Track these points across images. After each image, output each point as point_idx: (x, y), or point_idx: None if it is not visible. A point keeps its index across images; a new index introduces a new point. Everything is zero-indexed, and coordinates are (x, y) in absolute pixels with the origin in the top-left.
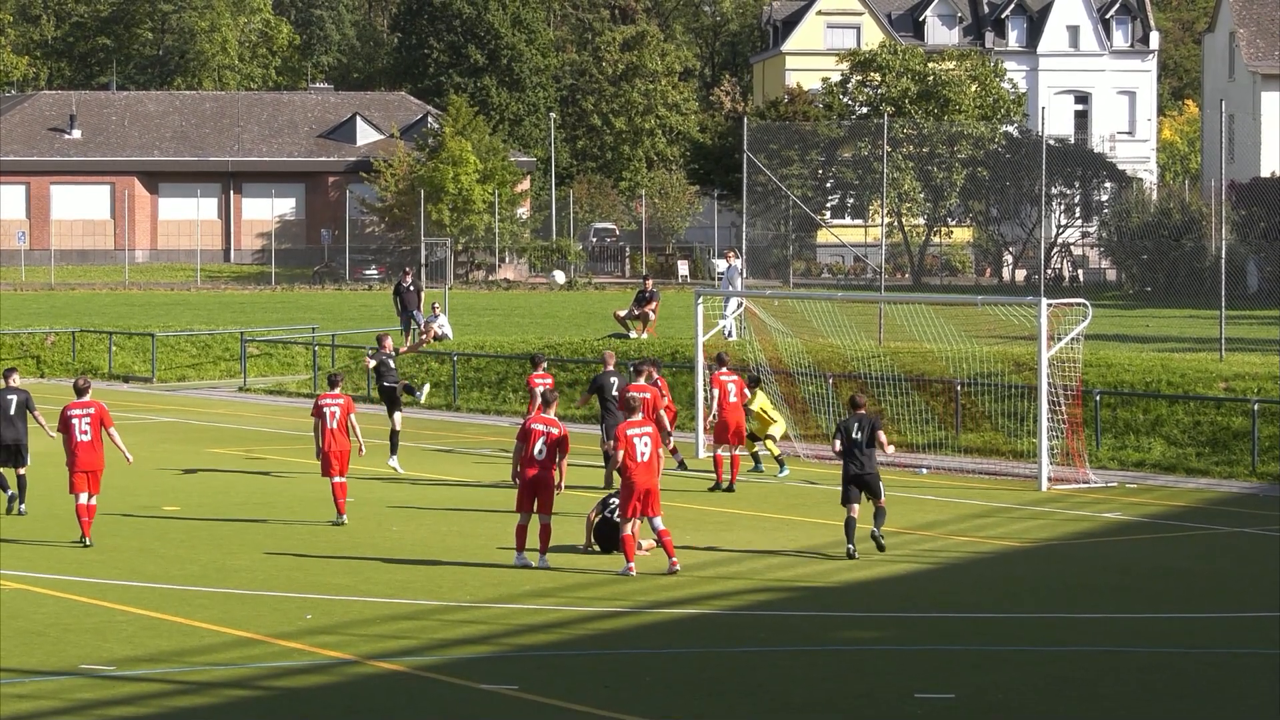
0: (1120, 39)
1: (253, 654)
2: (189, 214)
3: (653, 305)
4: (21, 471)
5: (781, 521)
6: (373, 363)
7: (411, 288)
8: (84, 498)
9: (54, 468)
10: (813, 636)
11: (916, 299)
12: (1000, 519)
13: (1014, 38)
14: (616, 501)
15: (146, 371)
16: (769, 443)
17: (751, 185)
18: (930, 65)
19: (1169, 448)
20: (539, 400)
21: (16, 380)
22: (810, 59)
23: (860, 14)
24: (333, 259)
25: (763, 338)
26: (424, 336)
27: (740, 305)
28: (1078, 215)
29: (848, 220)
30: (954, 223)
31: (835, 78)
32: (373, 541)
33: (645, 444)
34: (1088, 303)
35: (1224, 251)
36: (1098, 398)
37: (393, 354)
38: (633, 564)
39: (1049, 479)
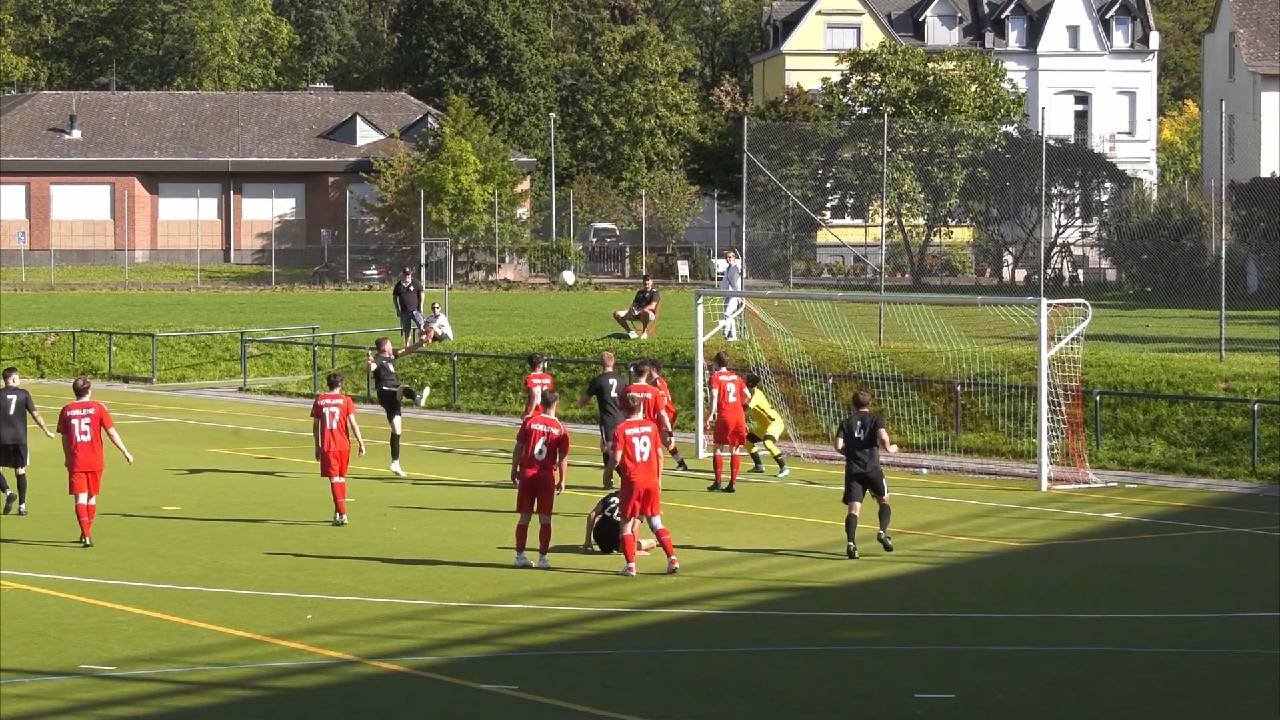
0: (1120, 39)
1: (253, 654)
2: (189, 214)
3: (653, 305)
4: (21, 471)
5: (781, 521)
6: (374, 365)
7: (411, 288)
8: (84, 498)
9: (54, 468)
10: (813, 636)
11: (916, 299)
12: (1000, 519)
13: (1014, 38)
14: (617, 501)
15: (146, 372)
16: (769, 443)
17: (751, 185)
18: (930, 65)
19: (1169, 448)
20: (537, 400)
21: (16, 380)
22: (810, 59)
23: (860, 14)
24: (333, 259)
25: (763, 338)
26: (424, 337)
27: (740, 305)
28: (1078, 215)
29: (848, 220)
30: (954, 223)
31: (835, 78)
32: (373, 541)
33: (644, 444)
34: (1088, 303)
35: (1224, 251)
36: (1098, 398)
37: (392, 357)
38: (633, 564)
39: (1049, 479)
